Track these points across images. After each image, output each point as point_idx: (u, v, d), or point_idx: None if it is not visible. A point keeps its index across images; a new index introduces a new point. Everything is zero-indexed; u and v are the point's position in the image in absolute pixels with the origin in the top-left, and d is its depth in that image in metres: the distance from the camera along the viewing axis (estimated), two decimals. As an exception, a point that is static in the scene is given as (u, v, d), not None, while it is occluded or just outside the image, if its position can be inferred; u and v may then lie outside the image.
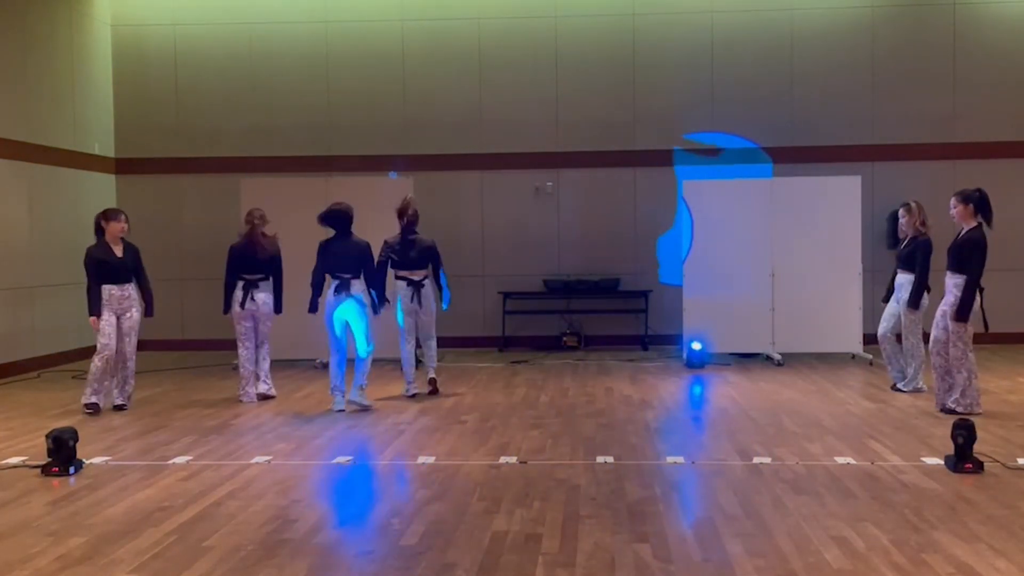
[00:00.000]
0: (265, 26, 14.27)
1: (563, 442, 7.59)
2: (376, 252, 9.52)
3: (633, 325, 13.89)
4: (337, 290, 9.03)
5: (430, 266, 9.80)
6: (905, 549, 4.93)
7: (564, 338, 13.70)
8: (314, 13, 14.24)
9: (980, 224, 8.38)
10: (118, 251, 9.19)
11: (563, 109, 14.12)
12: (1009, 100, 13.72)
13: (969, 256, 8.26)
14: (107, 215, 9.31)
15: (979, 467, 6.40)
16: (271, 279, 9.74)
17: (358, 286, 9.06)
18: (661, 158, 13.92)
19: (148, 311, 9.50)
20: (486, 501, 5.92)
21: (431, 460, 7.06)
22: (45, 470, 6.69)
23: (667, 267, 13.80)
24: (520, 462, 6.93)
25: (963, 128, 13.76)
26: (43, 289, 12.40)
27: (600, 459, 6.98)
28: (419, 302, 9.67)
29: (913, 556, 4.82)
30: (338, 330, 9.10)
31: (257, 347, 9.76)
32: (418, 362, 10.41)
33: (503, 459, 7.01)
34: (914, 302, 9.28)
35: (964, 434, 6.43)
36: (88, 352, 9.08)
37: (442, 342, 10.06)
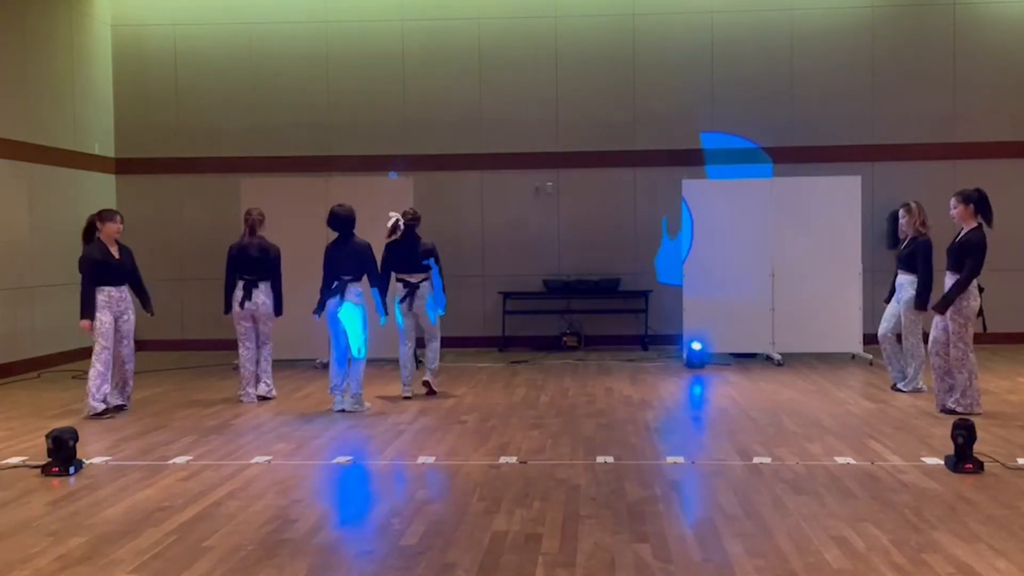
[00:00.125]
0: (265, 26, 14.27)
1: (563, 442, 7.59)
2: (380, 254, 9.56)
3: (633, 325, 13.89)
4: (336, 292, 9.05)
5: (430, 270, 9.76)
6: (905, 549, 4.93)
7: (564, 338, 13.70)
8: (314, 13, 14.25)
9: (980, 224, 8.38)
10: (115, 252, 9.12)
11: (563, 109, 14.12)
12: (1009, 100, 13.73)
13: (968, 256, 8.26)
14: (103, 216, 9.14)
15: (979, 467, 6.40)
16: (271, 279, 9.73)
17: (356, 289, 9.07)
18: (661, 158, 13.92)
19: (150, 308, 9.47)
20: (486, 501, 5.92)
21: (431, 460, 7.06)
22: (45, 470, 6.69)
23: (665, 268, 13.79)
24: (520, 462, 6.93)
25: (963, 128, 13.76)
26: (43, 289, 12.40)
27: (600, 459, 6.97)
28: (410, 305, 9.63)
29: (913, 556, 4.82)
30: (338, 331, 9.11)
31: (259, 348, 9.76)
32: (419, 362, 10.40)
33: (503, 459, 7.01)
34: (922, 303, 9.25)
35: (964, 434, 6.43)
36: (88, 352, 9.03)
37: (442, 342, 10.00)
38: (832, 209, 11.93)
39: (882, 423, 8.19)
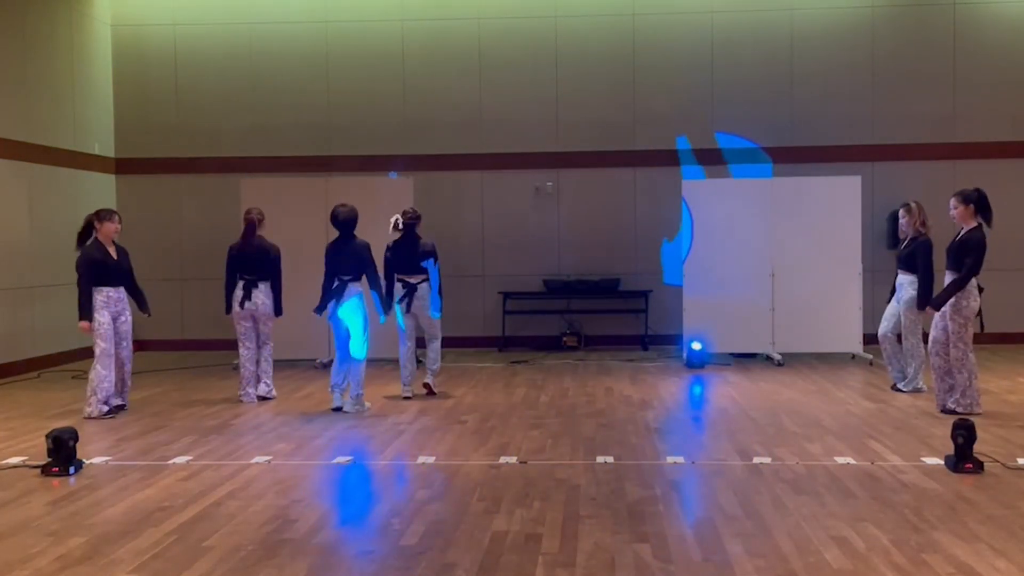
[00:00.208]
0: (265, 26, 14.27)
1: (563, 442, 7.59)
2: (381, 254, 9.60)
3: (633, 325, 13.89)
4: (336, 292, 9.07)
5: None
6: (905, 549, 4.93)
7: (564, 338, 13.70)
8: (314, 13, 14.25)
9: (980, 224, 8.38)
10: (113, 253, 9.08)
11: (563, 109, 14.12)
12: (1009, 100, 13.73)
13: (967, 255, 8.26)
14: (101, 216, 9.07)
15: (979, 467, 6.40)
16: (270, 279, 9.73)
17: (355, 288, 9.08)
18: (661, 158, 13.92)
19: (147, 309, 9.45)
20: (486, 501, 5.92)
21: (431, 460, 7.06)
22: (45, 470, 6.69)
23: (669, 268, 13.80)
24: (520, 462, 6.93)
25: (963, 128, 13.76)
26: (43, 289, 12.40)
27: (600, 459, 6.97)
28: (409, 305, 9.63)
29: (913, 556, 4.82)
30: (340, 331, 9.13)
31: (259, 348, 9.76)
32: (420, 362, 10.39)
33: (503, 459, 7.01)
34: (922, 303, 9.24)
35: (964, 434, 6.43)
36: (89, 353, 9.02)
37: (443, 342, 10.00)
38: (832, 209, 11.93)
39: (882, 423, 8.19)
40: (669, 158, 13.89)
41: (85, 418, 8.71)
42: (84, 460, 6.97)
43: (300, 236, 11.50)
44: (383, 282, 9.44)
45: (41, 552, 5.07)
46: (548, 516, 5.59)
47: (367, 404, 9.16)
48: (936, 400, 8.68)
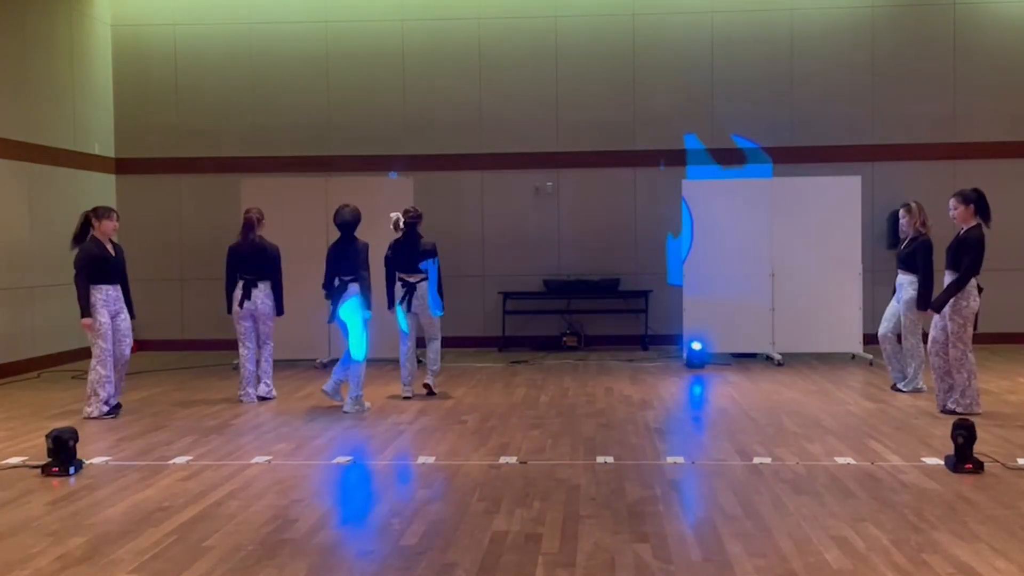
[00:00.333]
0: (265, 26, 14.27)
1: (563, 442, 7.59)
2: (380, 254, 9.63)
3: (633, 325, 13.89)
4: (337, 292, 9.08)
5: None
6: (905, 549, 4.93)
7: (564, 338, 13.70)
8: (314, 13, 14.24)
9: (979, 224, 8.38)
10: (111, 250, 9.03)
11: (563, 109, 14.12)
12: (1009, 100, 13.73)
13: (965, 255, 8.26)
14: (99, 213, 8.99)
15: (979, 467, 6.40)
16: (270, 279, 9.72)
17: (356, 289, 9.08)
18: (661, 158, 13.92)
19: (132, 311, 9.36)
20: (486, 501, 5.92)
21: (431, 460, 7.06)
22: (45, 470, 6.69)
23: (674, 268, 13.79)
24: (520, 462, 6.93)
25: (963, 128, 13.76)
26: (43, 289, 12.40)
27: (600, 459, 6.97)
28: (409, 305, 9.64)
29: (913, 556, 4.82)
30: (343, 330, 9.16)
31: (259, 348, 9.75)
32: (420, 362, 10.39)
33: (503, 459, 7.01)
34: (923, 304, 9.24)
35: (964, 434, 6.43)
36: (89, 352, 9.00)
37: (443, 342, 10.00)
38: (832, 209, 11.93)
39: (882, 423, 8.19)
40: (669, 158, 13.88)
41: (85, 418, 8.70)
42: (84, 460, 6.97)
43: (300, 236, 11.50)
44: (384, 282, 9.53)
45: (41, 552, 5.07)
46: (548, 516, 5.59)
47: (367, 404, 9.16)
48: (936, 400, 8.68)
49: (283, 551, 5.05)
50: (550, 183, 14.11)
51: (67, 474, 6.66)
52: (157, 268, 14.04)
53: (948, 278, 8.39)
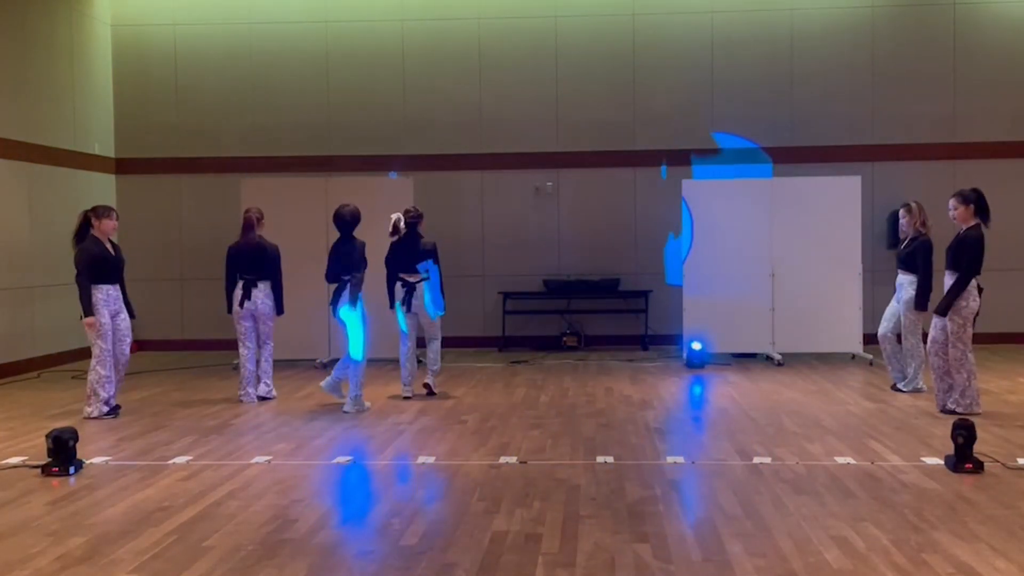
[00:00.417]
0: (265, 26, 14.27)
1: (563, 442, 7.59)
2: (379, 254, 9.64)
3: (633, 325, 13.89)
4: (337, 291, 9.09)
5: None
6: (905, 549, 4.93)
7: (564, 338, 13.70)
8: (314, 13, 14.24)
9: (978, 223, 8.38)
10: (110, 249, 9.02)
11: (563, 109, 14.12)
12: (1009, 100, 13.73)
13: (964, 254, 8.26)
14: (98, 212, 8.97)
15: (979, 467, 6.40)
16: (270, 279, 9.72)
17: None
18: (661, 158, 13.92)
19: (133, 312, 9.34)
20: (486, 501, 5.92)
21: (431, 460, 7.06)
22: (45, 470, 6.69)
23: (672, 268, 13.79)
24: (520, 462, 6.93)
25: (963, 128, 13.77)
26: (43, 289, 12.40)
27: (600, 459, 6.97)
28: (409, 305, 9.64)
29: (913, 556, 4.82)
30: (343, 330, 9.17)
31: (260, 347, 9.75)
32: (420, 362, 10.39)
33: (503, 459, 7.01)
34: (922, 304, 9.26)
35: (964, 434, 6.43)
36: (89, 352, 9.00)
37: (443, 342, 9.99)
38: (832, 209, 11.93)
39: (882, 423, 8.19)
40: (669, 158, 13.88)
41: (85, 418, 8.70)
42: (84, 460, 6.97)
43: (300, 236, 11.51)
44: (386, 282, 9.64)
45: (41, 552, 5.07)
46: (548, 516, 5.59)
47: (367, 404, 9.16)
48: (936, 400, 8.68)
49: (283, 551, 5.05)
50: (550, 183, 14.11)
51: (67, 474, 6.66)
52: (157, 268, 14.05)
53: (948, 278, 8.39)
